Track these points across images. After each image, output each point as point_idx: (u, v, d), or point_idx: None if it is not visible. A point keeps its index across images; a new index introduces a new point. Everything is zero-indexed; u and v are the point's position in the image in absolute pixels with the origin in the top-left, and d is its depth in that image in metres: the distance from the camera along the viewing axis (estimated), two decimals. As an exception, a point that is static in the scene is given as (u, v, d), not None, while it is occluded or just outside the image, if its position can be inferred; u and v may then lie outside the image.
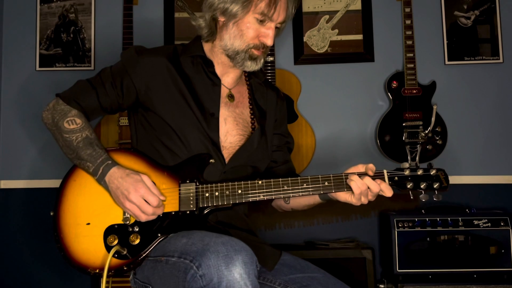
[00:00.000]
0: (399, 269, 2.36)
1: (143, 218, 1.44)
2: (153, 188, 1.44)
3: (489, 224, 2.36)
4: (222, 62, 1.63)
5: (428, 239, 2.38)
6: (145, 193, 1.42)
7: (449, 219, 2.38)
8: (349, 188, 1.46)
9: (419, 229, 2.38)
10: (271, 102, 1.74)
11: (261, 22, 1.53)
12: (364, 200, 1.46)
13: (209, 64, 1.63)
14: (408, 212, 2.56)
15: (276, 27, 1.56)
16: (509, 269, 2.33)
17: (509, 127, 2.78)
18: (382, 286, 2.41)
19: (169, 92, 1.57)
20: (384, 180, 1.46)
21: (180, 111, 1.56)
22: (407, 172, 1.47)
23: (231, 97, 1.65)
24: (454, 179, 2.63)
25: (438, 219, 2.38)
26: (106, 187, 1.47)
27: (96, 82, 1.59)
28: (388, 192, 1.45)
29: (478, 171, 2.75)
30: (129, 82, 1.57)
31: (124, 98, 1.58)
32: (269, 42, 1.55)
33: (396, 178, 1.47)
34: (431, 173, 1.48)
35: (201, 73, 1.62)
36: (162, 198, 1.45)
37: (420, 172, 1.47)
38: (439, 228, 2.37)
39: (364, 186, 1.43)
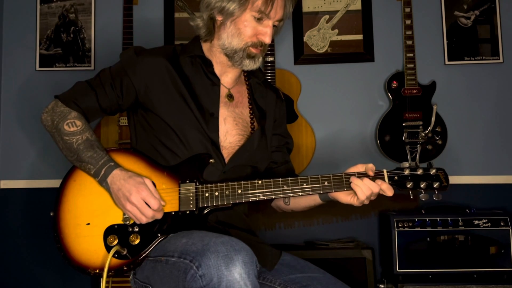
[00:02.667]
0: (399, 269, 2.36)
1: (143, 220, 1.43)
2: (154, 192, 1.44)
3: (489, 224, 2.36)
4: (221, 62, 1.63)
5: (428, 239, 2.37)
6: (147, 195, 1.42)
7: (449, 219, 2.38)
8: (349, 188, 1.46)
9: (419, 229, 2.37)
10: (270, 102, 1.74)
11: (259, 20, 1.53)
12: (366, 202, 1.47)
13: (208, 64, 1.63)
14: (408, 212, 2.56)
15: (274, 25, 1.56)
16: (509, 269, 2.33)
17: (509, 127, 2.78)
18: (382, 286, 2.41)
19: (168, 92, 1.57)
20: (384, 180, 1.46)
21: (180, 111, 1.56)
22: (407, 172, 1.47)
23: (230, 97, 1.65)
24: (454, 179, 2.62)
25: (438, 219, 2.38)
26: (108, 188, 1.47)
27: (95, 83, 1.58)
28: (389, 192, 1.45)
29: (478, 171, 2.75)
30: (128, 82, 1.56)
31: (124, 99, 1.58)
32: (267, 40, 1.54)
33: (396, 177, 1.47)
34: (431, 173, 1.47)
35: (200, 73, 1.62)
36: (163, 203, 1.45)
37: (420, 171, 1.47)
38: (439, 228, 2.37)
39: (369, 191, 1.43)
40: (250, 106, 1.68)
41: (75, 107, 1.56)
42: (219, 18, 1.57)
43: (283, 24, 1.63)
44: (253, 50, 1.56)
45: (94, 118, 1.62)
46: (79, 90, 1.59)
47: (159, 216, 1.44)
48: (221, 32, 1.58)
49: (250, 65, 1.58)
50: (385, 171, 1.47)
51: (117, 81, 1.57)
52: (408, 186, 1.46)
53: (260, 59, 1.59)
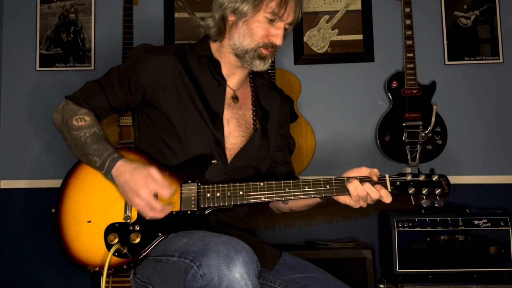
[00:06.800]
0: (399, 269, 2.36)
1: (150, 214, 1.42)
2: (162, 181, 1.42)
3: (489, 224, 2.36)
4: (229, 62, 1.63)
5: (428, 239, 2.38)
6: (156, 187, 1.41)
7: (449, 219, 2.38)
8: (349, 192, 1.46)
9: (419, 229, 2.38)
10: (275, 104, 1.75)
11: (271, 21, 1.55)
12: (363, 204, 1.46)
13: (216, 64, 1.63)
14: (408, 212, 2.56)
15: (284, 28, 1.57)
16: (509, 269, 2.33)
17: (509, 127, 2.78)
18: (382, 286, 2.41)
19: (176, 90, 1.57)
20: (386, 185, 1.45)
21: (186, 110, 1.56)
22: (409, 178, 1.47)
23: (235, 98, 1.66)
24: (454, 179, 2.58)
25: (438, 219, 2.38)
26: (113, 181, 1.46)
27: (104, 82, 1.60)
28: (387, 198, 1.44)
29: (478, 171, 2.75)
30: (136, 80, 1.57)
31: (132, 96, 1.59)
32: (278, 41, 1.56)
33: (398, 183, 1.46)
34: (433, 179, 1.46)
35: (207, 73, 1.63)
36: (173, 187, 1.43)
37: (422, 177, 1.46)
38: (439, 228, 2.37)
39: (363, 192, 1.42)
40: (253, 108, 1.69)
41: (85, 105, 1.57)
42: (231, 18, 1.58)
43: (291, 30, 1.64)
44: (264, 51, 1.57)
45: (105, 116, 1.63)
46: (88, 90, 1.60)
47: (169, 209, 1.43)
48: (232, 32, 1.58)
49: (260, 65, 1.59)
50: (387, 176, 1.47)
51: (125, 79, 1.58)
52: (410, 192, 1.45)
53: (270, 60, 1.60)
